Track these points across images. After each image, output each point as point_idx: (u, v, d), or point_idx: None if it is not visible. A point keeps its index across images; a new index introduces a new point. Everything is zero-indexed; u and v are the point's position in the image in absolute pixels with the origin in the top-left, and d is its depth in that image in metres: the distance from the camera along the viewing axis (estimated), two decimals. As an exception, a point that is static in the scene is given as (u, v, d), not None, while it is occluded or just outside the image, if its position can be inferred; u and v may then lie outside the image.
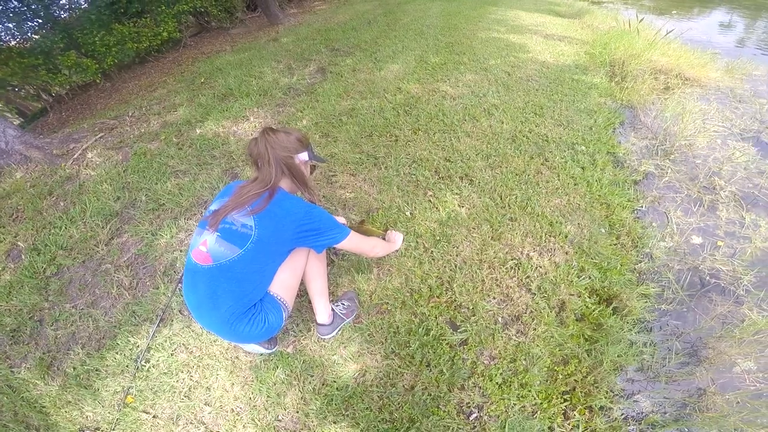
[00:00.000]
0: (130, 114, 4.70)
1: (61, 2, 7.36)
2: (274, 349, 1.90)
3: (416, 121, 3.51)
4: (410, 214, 2.52)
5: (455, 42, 5.64)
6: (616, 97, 3.95)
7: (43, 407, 1.99)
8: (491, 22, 6.86)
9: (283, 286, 1.57)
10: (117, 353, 2.11)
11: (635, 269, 2.20)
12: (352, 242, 1.67)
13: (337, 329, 1.92)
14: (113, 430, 1.81)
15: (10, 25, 6.59)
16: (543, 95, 3.87)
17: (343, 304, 1.97)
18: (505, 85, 4.10)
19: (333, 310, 1.91)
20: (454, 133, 3.28)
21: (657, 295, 2.08)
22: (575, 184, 2.69)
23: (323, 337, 1.90)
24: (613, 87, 4.16)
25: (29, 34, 6.98)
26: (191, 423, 1.77)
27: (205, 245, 1.44)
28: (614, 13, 7.99)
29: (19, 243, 3.01)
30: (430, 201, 2.62)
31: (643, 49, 4.68)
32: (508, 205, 2.53)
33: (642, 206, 2.63)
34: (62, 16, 7.42)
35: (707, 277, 2.17)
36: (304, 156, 1.63)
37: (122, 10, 7.51)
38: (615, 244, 2.30)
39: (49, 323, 2.40)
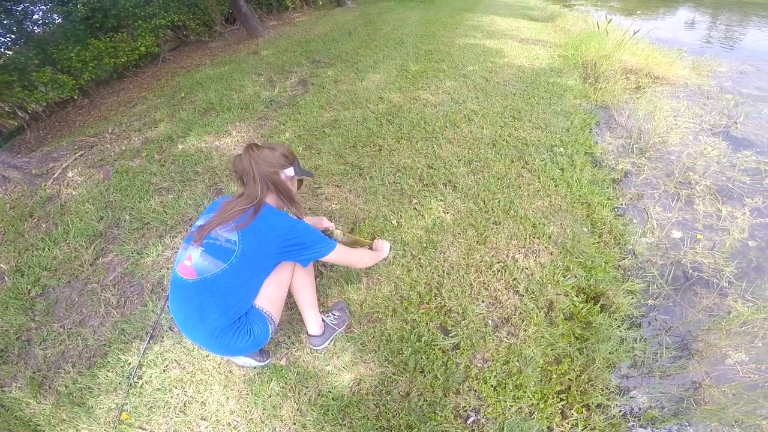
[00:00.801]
0: (110, 131, 4.61)
1: (34, 17, 7.17)
2: (266, 362, 1.88)
3: (399, 130, 3.52)
4: (396, 222, 2.52)
5: (434, 50, 5.69)
6: (591, 98, 4.02)
7: (38, 425, 1.95)
8: (468, 28, 6.95)
9: (268, 299, 1.56)
10: (108, 371, 2.07)
11: (619, 266, 2.22)
12: (339, 255, 1.66)
13: (329, 340, 1.90)
14: None
15: None
16: (520, 99, 3.92)
17: (334, 315, 1.95)
18: (483, 91, 4.14)
19: (324, 321, 1.89)
20: (436, 141, 3.29)
21: (643, 290, 2.11)
22: (556, 186, 2.72)
23: (315, 348, 1.88)
24: (587, 88, 4.24)
25: (2, 50, 6.79)
26: None
27: (190, 260, 1.44)
28: (584, 15, 8.17)
29: (1, 265, 2.92)
30: (415, 209, 2.62)
31: (613, 49, 4.79)
32: (492, 209, 2.55)
33: (622, 204, 2.68)
34: (36, 31, 7.24)
35: (690, 271, 2.21)
36: (290, 171, 1.61)
37: (98, 25, 7.37)
38: (598, 243, 2.33)
39: (37, 343, 2.34)
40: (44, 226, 3.21)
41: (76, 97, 6.79)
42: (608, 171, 2.94)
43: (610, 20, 5.25)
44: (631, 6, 9.73)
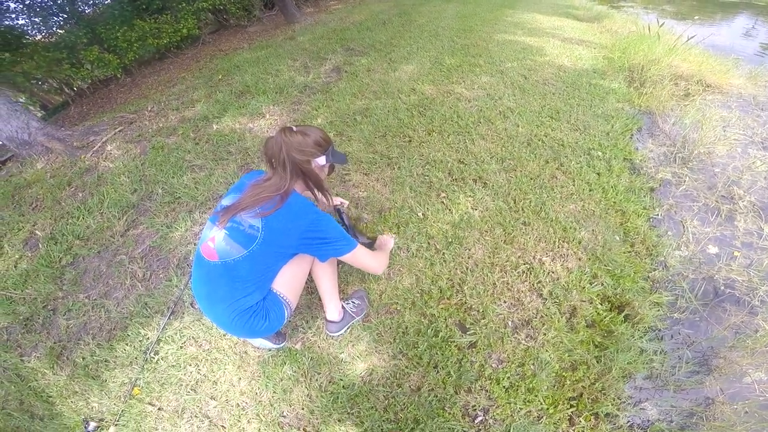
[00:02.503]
0: (149, 109, 4.78)
1: (85, -3, 7.47)
2: (281, 345, 1.92)
3: (430, 123, 3.50)
4: (422, 215, 2.52)
5: (471, 44, 5.59)
6: (635, 103, 3.87)
7: (50, 397, 2.03)
8: (508, 24, 6.79)
9: (287, 284, 1.59)
10: (127, 344, 2.15)
11: (649, 277, 2.16)
12: (358, 257, 1.60)
13: (346, 327, 1.94)
14: (117, 421, 1.85)
15: (37, 19, 6.73)
16: (559, 99, 3.82)
17: (354, 303, 1.98)
18: (521, 89, 4.05)
19: (343, 307, 1.92)
20: (468, 136, 3.26)
21: (670, 303, 2.05)
22: (590, 190, 2.65)
23: (332, 334, 1.92)
24: (631, 92, 4.08)
25: (54, 28, 7.10)
26: (196, 416, 1.80)
27: (213, 241, 1.47)
28: (634, 17, 7.84)
29: (37, 232, 3.07)
30: (442, 203, 2.61)
31: (663, 54, 4.59)
32: (522, 209, 2.51)
33: (658, 214, 2.59)
34: (86, 11, 7.54)
35: (722, 287, 2.13)
36: (321, 160, 1.58)
37: (144, 6, 7.63)
38: (629, 252, 2.27)
39: (62, 312, 2.44)
40: (81, 195, 3.36)
41: (119, 75, 7.07)
42: (646, 179, 2.84)
43: (663, 24, 5.04)
44: (684, 10, 9.29)
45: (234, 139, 3.66)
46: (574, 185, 2.69)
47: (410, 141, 3.28)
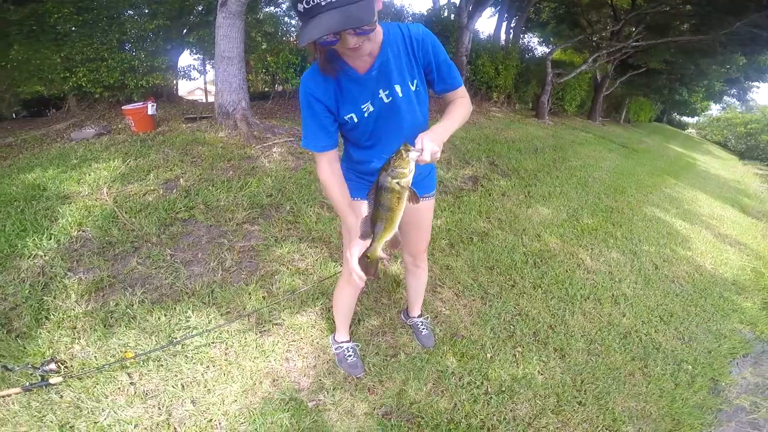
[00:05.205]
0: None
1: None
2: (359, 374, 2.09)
3: (540, 278, 3.50)
4: (490, 357, 2.51)
5: (616, 208, 5.47)
6: (757, 328, 3.41)
7: (46, 318, 2.06)
8: (663, 197, 6.42)
9: None
10: (164, 315, 2.21)
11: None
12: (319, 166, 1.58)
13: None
14: (80, 372, 1.82)
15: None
16: (680, 304, 3.57)
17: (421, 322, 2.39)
18: (646, 279, 3.88)
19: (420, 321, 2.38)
20: (570, 307, 3.19)
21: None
22: (660, 396, 2.52)
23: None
24: (761, 316, 3.60)
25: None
26: (158, 408, 1.76)
27: None
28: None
29: (181, 180, 3.42)
30: (514, 355, 2.58)
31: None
32: (585, 392, 2.45)
33: (712, 430, 2.38)
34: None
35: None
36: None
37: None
38: (665, 451, 2.35)
39: (141, 255, 2.61)
40: (231, 173, 3.75)
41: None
42: (722, 401, 2.60)
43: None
44: None
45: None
46: (646, 388, 2.58)
47: (513, 286, 3.33)
